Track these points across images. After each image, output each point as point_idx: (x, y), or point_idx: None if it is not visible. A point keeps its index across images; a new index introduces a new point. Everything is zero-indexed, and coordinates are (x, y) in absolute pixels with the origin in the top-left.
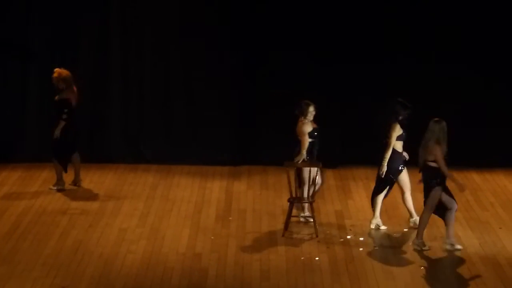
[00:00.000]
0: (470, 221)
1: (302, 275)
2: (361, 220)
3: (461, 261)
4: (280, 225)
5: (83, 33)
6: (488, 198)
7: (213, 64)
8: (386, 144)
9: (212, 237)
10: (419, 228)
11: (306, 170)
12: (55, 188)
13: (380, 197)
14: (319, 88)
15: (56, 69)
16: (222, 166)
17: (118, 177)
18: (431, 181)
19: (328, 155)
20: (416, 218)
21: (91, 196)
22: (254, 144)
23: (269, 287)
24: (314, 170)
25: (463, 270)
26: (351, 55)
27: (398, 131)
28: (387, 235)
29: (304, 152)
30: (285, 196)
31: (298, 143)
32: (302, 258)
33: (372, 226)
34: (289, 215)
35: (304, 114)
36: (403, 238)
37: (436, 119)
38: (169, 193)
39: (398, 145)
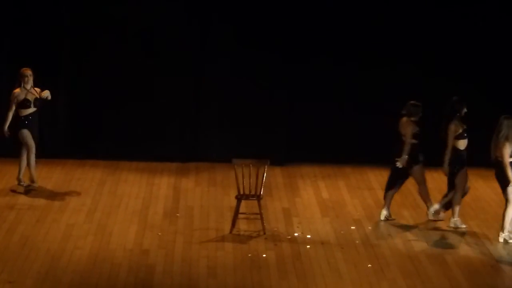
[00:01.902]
0: (418, 220)
1: (249, 272)
2: (308, 217)
3: (408, 259)
4: (227, 222)
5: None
6: (436, 197)
7: (162, 60)
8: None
9: (160, 234)
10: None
11: (418, 171)
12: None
13: (459, 198)
14: (267, 86)
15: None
16: (170, 163)
17: (66, 172)
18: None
19: (275, 152)
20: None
21: (38, 192)
22: (202, 141)
23: (216, 284)
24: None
25: (410, 268)
26: (302, 54)
27: (456, 130)
28: (334, 232)
29: (407, 153)
30: (233, 193)
31: (402, 143)
32: (249, 255)
33: (452, 225)
34: (237, 212)
35: (414, 115)
36: (350, 235)
37: (506, 115)
38: (116, 189)
39: (461, 144)
